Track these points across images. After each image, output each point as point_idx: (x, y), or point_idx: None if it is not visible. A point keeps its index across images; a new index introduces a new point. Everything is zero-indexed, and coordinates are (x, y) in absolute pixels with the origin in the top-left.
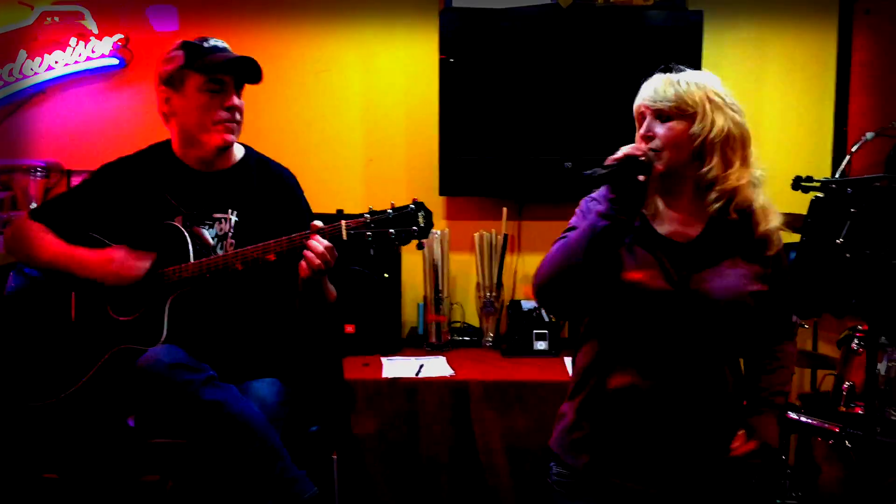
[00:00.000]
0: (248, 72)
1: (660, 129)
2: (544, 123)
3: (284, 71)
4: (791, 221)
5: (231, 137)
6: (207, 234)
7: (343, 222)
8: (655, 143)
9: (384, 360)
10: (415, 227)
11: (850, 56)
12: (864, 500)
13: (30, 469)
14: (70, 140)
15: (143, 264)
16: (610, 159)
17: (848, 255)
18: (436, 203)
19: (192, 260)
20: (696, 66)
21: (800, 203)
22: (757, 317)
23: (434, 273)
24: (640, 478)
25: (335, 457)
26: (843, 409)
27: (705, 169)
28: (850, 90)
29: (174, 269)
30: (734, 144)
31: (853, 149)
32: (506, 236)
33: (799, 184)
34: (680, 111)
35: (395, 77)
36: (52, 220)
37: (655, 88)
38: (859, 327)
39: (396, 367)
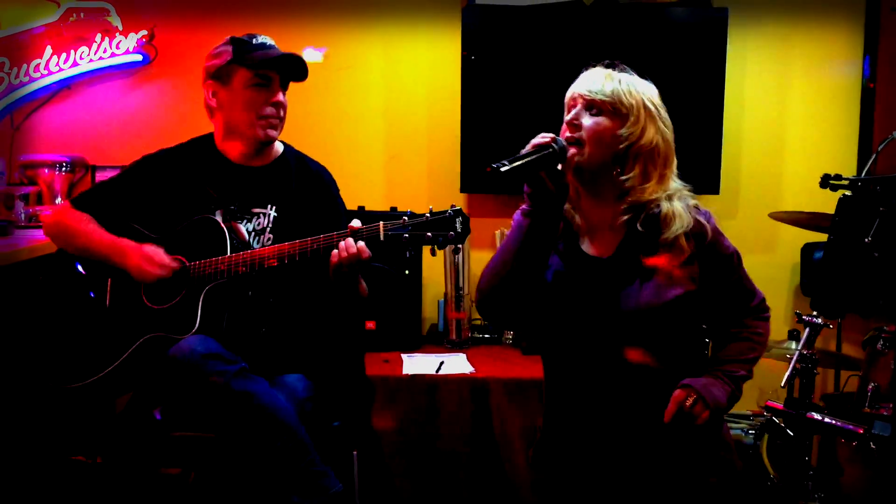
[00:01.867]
0: (295, 69)
1: (587, 121)
2: None
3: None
4: (814, 220)
5: (274, 133)
6: (245, 228)
7: (381, 223)
8: (579, 134)
9: (404, 356)
10: (452, 233)
11: (877, 53)
12: (887, 503)
13: (58, 450)
14: (95, 135)
15: (171, 264)
16: (521, 153)
17: (876, 254)
18: (457, 200)
19: (229, 253)
20: (721, 62)
21: (827, 201)
22: (689, 317)
23: (455, 270)
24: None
25: (355, 452)
26: (868, 411)
27: (624, 177)
28: (877, 87)
29: (209, 263)
30: (657, 159)
31: (879, 147)
32: None
33: (827, 182)
34: (613, 108)
35: (417, 74)
36: (93, 208)
37: (594, 80)
38: (885, 328)
39: (417, 363)
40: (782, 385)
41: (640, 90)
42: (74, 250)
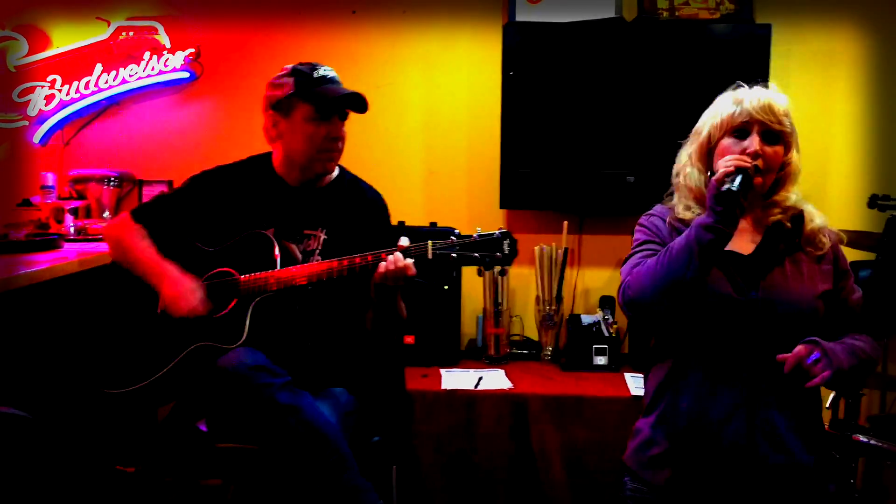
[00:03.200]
0: (356, 104)
1: (768, 149)
2: (607, 137)
3: (347, 84)
4: (860, 239)
5: (333, 165)
6: (297, 248)
7: (430, 242)
8: (762, 162)
9: (443, 371)
10: (499, 254)
11: None
12: None
13: (101, 458)
14: (142, 151)
15: (200, 307)
16: (724, 172)
17: None
18: (496, 216)
19: (278, 268)
20: (764, 79)
21: (873, 220)
22: (829, 317)
23: (494, 286)
24: (733, 495)
25: (394, 468)
26: None
27: (783, 195)
28: None
29: (260, 277)
30: (797, 176)
31: None
32: (566, 250)
33: (875, 202)
34: (786, 136)
35: (457, 90)
36: (151, 221)
37: (771, 106)
38: None
39: (455, 378)
40: (827, 406)
41: (790, 114)
42: (126, 264)
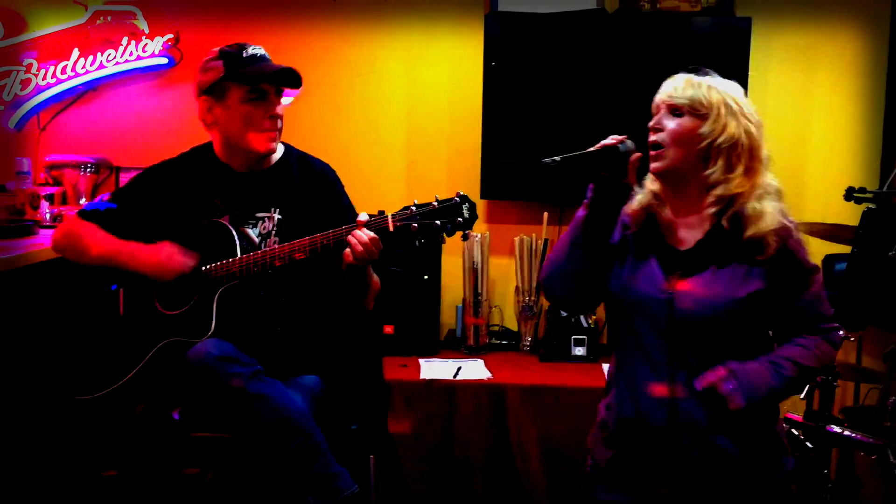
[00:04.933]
0: (290, 80)
1: (670, 124)
2: (587, 129)
3: (327, 73)
4: (836, 231)
5: (274, 145)
6: (252, 232)
7: (389, 213)
8: (661, 137)
9: (422, 361)
10: (460, 219)
11: None
12: None
13: (77, 463)
14: (119, 137)
15: (188, 260)
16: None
17: None
18: (477, 206)
19: (239, 255)
20: (744, 73)
21: (849, 213)
22: (769, 317)
23: (473, 276)
24: (660, 480)
25: (372, 456)
26: (888, 424)
27: (707, 171)
28: None
29: (221, 265)
30: (740, 152)
31: None
32: (546, 241)
33: (852, 195)
34: (693, 109)
35: (439, 80)
36: (101, 219)
37: (675, 86)
38: None
39: (434, 368)
40: (801, 397)
41: (720, 90)
42: (89, 260)
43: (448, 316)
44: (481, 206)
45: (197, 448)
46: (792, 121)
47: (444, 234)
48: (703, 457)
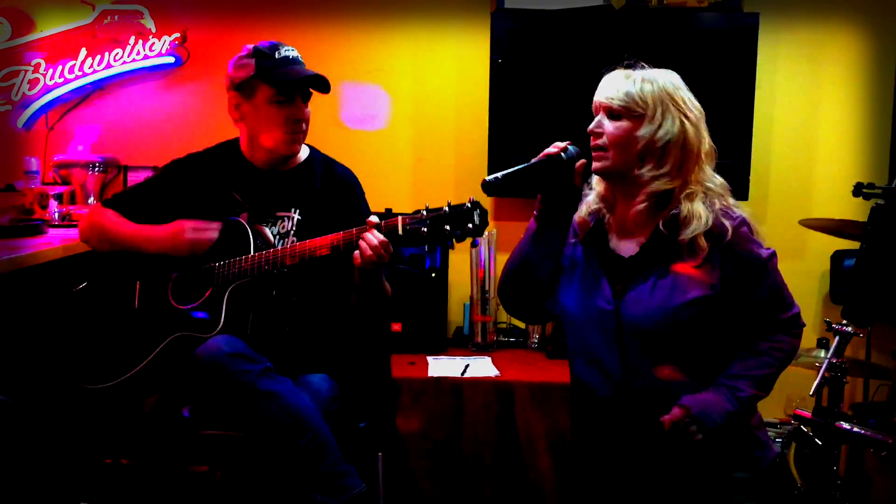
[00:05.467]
0: (318, 85)
1: (609, 127)
2: None
3: (335, 70)
4: (844, 227)
5: (297, 147)
6: (269, 231)
7: (399, 217)
8: (602, 141)
9: (430, 359)
10: (470, 225)
11: None
12: None
13: (89, 451)
14: (127, 136)
15: (212, 233)
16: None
17: None
18: (483, 203)
19: (252, 253)
20: (751, 69)
21: (858, 209)
22: (725, 319)
23: (481, 273)
24: (614, 489)
25: (380, 454)
26: None
27: (641, 170)
28: None
29: (233, 262)
30: (673, 149)
31: None
32: None
33: (860, 190)
34: (629, 111)
35: (446, 77)
36: (124, 209)
37: (610, 86)
38: None
39: (442, 366)
40: (811, 394)
41: (657, 85)
42: (111, 246)
43: (455, 314)
44: (488, 203)
45: (207, 445)
46: (800, 117)
47: (454, 240)
48: (674, 459)
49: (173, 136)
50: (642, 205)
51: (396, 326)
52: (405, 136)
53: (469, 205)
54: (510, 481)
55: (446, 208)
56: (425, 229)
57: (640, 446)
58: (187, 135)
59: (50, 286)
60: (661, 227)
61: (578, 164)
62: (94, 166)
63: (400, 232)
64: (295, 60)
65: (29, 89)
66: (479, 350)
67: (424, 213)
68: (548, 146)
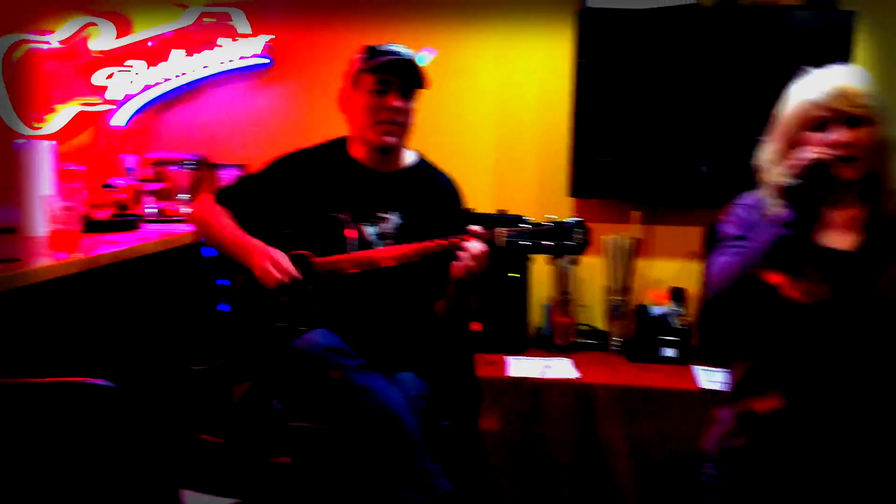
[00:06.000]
0: (410, 74)
1: (855, 135)
2: (680, 126)
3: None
4: None
5: (391, 139)
6: (369, 231)
7: (501, 229)
8: (852, 151)
9: (510, 359)
10: (572, 243)
11: None
12: None
13: (185, 429)
14: (218, 135)
15: (277, 276)
16: (798, 166)
17: None
18: (564, 204)
19: (351, 252)
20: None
21: None
22: None
23: (563, 274)
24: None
25: (462, 453)
26: None
27: (884, 172)
28: None
29: (332, 260)
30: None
31: None
32: (635, 240)
33: None
34: (869, 117)
35: (528, 77)
36: (233, 202)
37: (847, 90)
38: None
39: (522, 366)
40: None
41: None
42: (210, 243)
43: (535, 314)
44: (569, 204)
45: (294, 437)
46: None
47: (553, 256)
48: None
49: (262, 135)
50: (855, 202)
51: (477, 326)
52: (486, 135)
53: (573, 222)
54: (590, 482)
55: (549, 223)
56: (527, 242)
57: (827, 458)
58: (275, 134)
59: (147, 277)
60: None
61: (839, 171)
62: (187, 164)
63: (501, 244)
64: (395, 53)
65: (126, 90)
66: (560, 351)
67: (527, 226)
68: (634, 147)
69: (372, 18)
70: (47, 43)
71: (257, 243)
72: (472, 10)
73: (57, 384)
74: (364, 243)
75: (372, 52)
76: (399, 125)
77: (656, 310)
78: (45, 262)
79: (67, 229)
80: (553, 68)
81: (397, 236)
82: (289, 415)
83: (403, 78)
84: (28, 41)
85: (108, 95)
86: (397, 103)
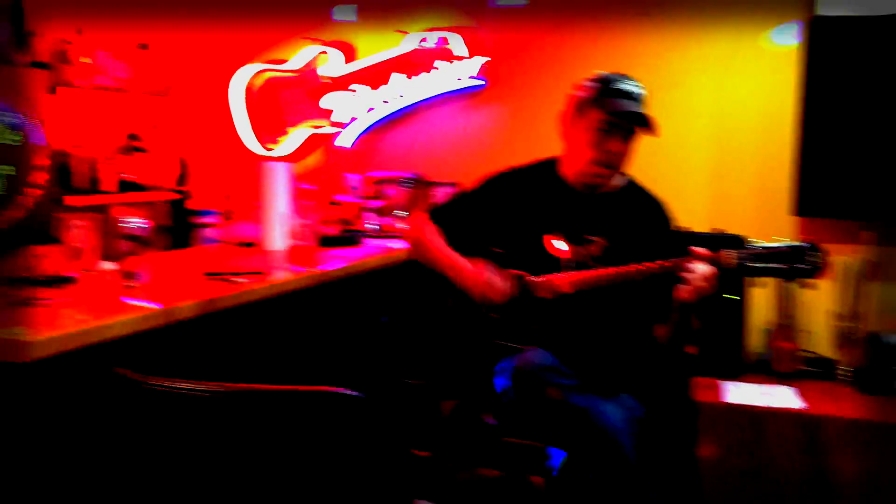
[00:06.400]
0: (640, 122)
1: None
2: None
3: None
4: None
5: (601, 180)
6: (580, 252)
7: (730, 251)
8: None
9: (727, 384)
10: (806, 267)
11: None
12: None
13: (398, 443)
14: (432, 154)
15: (503, 289)
16: None
17: None
18: (784, 223)
19: (565, 272)
20: None
21: None
22: None
23: (783, 297)
24: None
25: (678, 480)
26: None
27: None
28: None
29: (546, 280)
30: None
31: None
32: (867, 262)
33: None
34: None
35: (749, 89)
36: (446, 221)
37: None
38: None
39: (740, 392)
40: None
41: None
42: (424, 261)
43: (754, 338)
44: (791, 222)
45: (506, 452)
46: None
47: (784, 280)
48: None
49: (474, 155)
50: None
51: (692, 349)
52: (702, 150)
53: (807, 245)
54: None
55: (783, 245)
56: (757, 265)
57: None
58: (490, 153)
59: (369, 291)
60: None
61: None
62: (405, 182)
63: (730, 265)
64: (630, 95)
65: (354, 112)
66: (780, 378)
67: (759, 247)
68: (868, 162)
69: (586, 33)
70: (283, 71)
71: (468, 263)
72: (690, 25)
73: (310, 392)
74: (578, 264)
75: (605, 88)
76: (614, 168)
77: (890, 338)
78: (284, 275)
79: (305, 244)
80: (777, 80)
81: (605, 259)
82: (503, 430)
83: (632, 124)
84: (267, 70)
85: (335, 118)
86: (619, 149)
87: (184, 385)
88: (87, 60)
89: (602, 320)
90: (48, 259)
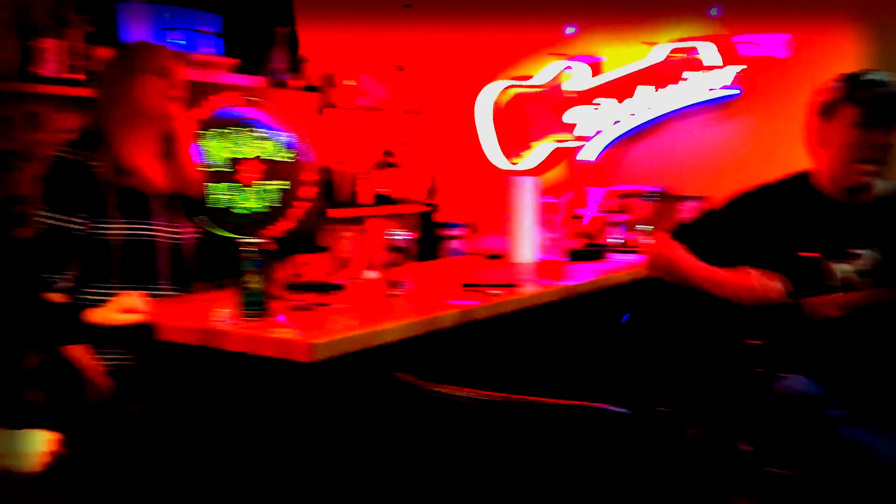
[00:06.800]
0: None
1: None
2: None
3: None
4: None
5: (866, 179)
6: (840, 269)
7: None
8: None
9: None
10: None
11: None
12: None
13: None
14: (679, 167)
15: (779, 286)
16: None
17: None
18: None
19: (829, 294)
20: None
21: None
22: None
23: None
24: None
25: None
26: None
27: None
28: None
29: (811, 302)
30: None
31: None
32: None
33: None
34: None
35: None
36: (692, 239)
37: None
38: None
39: None
40: None
41: None
42: (676, 280)
43: None
44: None
45: (762, 481)
46: None
47: None
48: None
49: (723, 168)
50: None
51: None
52: None
53: None
54: None
55: None
56: None
57: None
58: (738, 166)
59: (617, 306)
60: None
61: None
62: (651, 196)
63: None
64: (883, 83)
65: (599, 126)
66: None
67: None
68: None
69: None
70: (528, 87)
71: (726, 270)
72: None
73: (580, 407)
74: (847, 284)
75: (854, 82)
76: (881, 163)
77: None
78: (534, 288)
79: (551, 258)
80: None
81: (877, 274)
82: (762, 458)
83: (890, 111)
84: (512, 86)
85: (578, 132)
86: (882, 140)
87: (463, 393)
88: (352, 83)
89: (877, 345)
90: (312, 267)
